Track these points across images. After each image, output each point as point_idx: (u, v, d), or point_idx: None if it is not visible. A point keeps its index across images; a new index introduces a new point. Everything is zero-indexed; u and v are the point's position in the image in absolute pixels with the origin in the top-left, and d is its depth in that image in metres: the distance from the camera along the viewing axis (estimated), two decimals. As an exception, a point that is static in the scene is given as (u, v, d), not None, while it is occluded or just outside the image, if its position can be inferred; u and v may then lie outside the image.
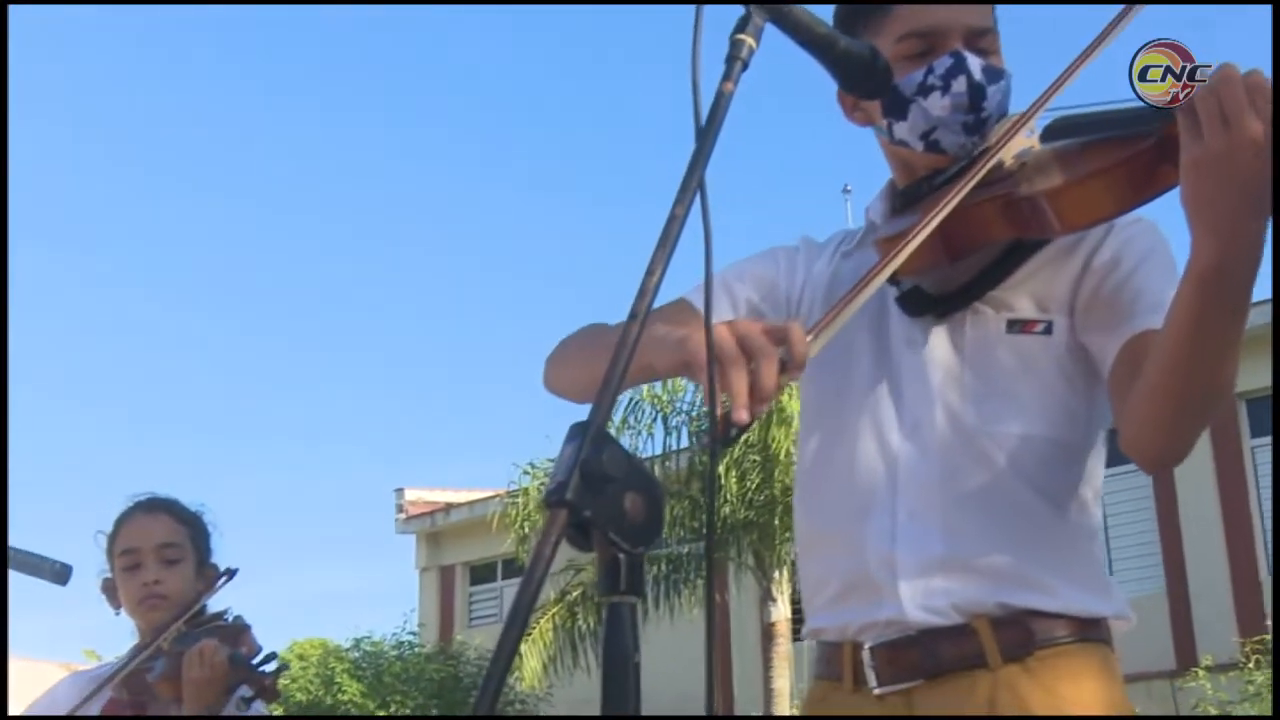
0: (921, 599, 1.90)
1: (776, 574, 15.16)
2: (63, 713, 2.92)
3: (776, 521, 14.35)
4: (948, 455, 1.93)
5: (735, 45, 1.43)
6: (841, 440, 2.02)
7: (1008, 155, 1.88)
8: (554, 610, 15.92)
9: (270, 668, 2.86)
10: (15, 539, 2.73)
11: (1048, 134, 1.87)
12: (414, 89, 38.28)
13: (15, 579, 2.70)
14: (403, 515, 24.52)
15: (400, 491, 24.67)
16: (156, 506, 3.13)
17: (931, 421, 1.95)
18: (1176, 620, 16.57)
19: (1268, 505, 16.23)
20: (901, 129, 1.99)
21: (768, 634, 15.19)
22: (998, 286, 1.95)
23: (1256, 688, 13.72)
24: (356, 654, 19.03)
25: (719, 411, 1.58)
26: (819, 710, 2.05)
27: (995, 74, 1.96)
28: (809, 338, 1.65)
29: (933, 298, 1.98)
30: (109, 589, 3.11)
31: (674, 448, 15.11)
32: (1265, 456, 16.74)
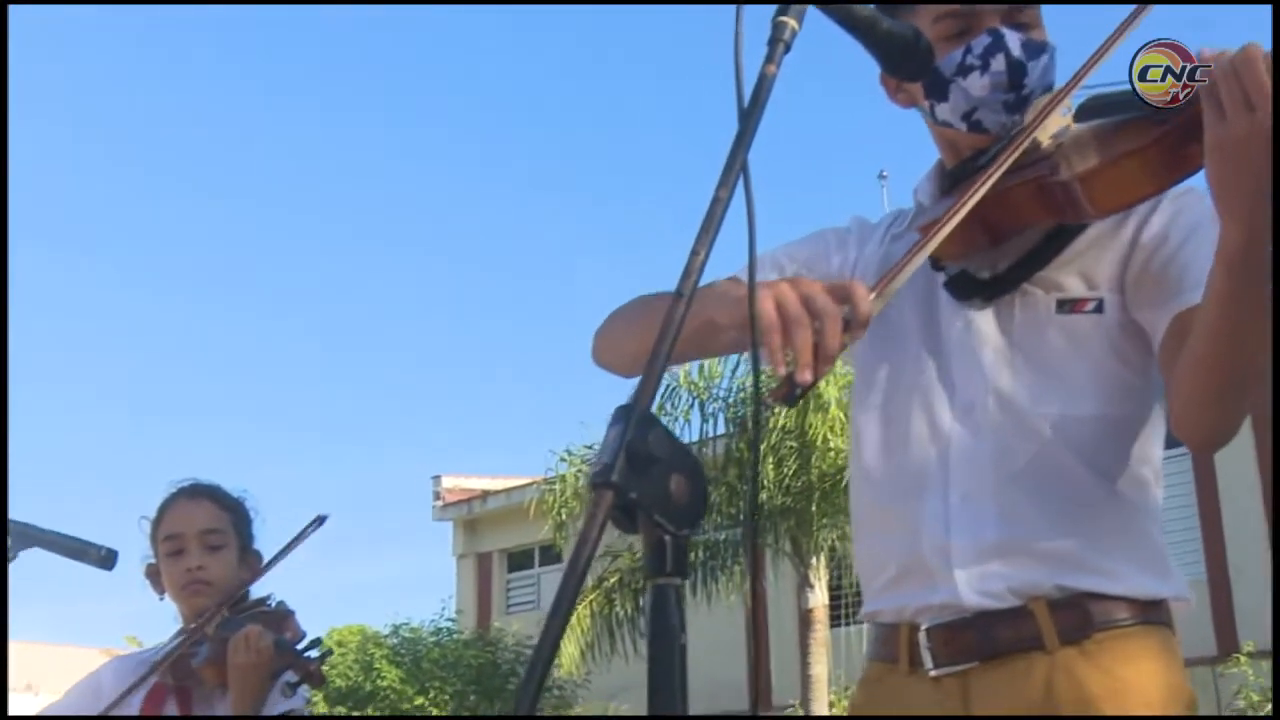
0: (977, 583, 1.89)
1: (814, 560, 15.12)
2: (108, 696, 2.94)
3: (814, 508, 14.32)
4: (1000, 437, 1.92)
5: (778, 27, 1.42)
6: (893, 423, 2.02)
7: (1044, 135, 1.86)
8: (591, 597, 15.94)
9: (315, 653, 2.86)
10: (61, 527, 2.75)
11: (1081, 113, 1.86)
12: (414, 89, 38.42)
13: (61, 565, 2.72)
14: (440, 503, 24.60)
15: (437, 479, 24.76)
16: (199, 492, 3.14)
17: (983, 404, 1.94)
18: (1217, 606, 16.47)
19: (1310, 490, 16.10)
20: (943, 110, 1.99)
21: (805, 620, 15.16)
22: (1046, 267, 1.94)
23: (1298, 674, 13.63)
24: (395, 640, 19.10)
25: (783, 372, 1.59)
26: (875, 691, 2.04)
27: (1036, 49, 1.94)
28: (871, 296, 1.66)
29: (980, 281, 1.97)
30: (153, 574, 3.12)
31: (710, 434, 15.09)
32: (1308, 442, 16.58)
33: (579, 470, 15.86)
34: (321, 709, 16.86)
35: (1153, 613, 1.90)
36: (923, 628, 1.94)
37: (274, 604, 3.04)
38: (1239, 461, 16.31)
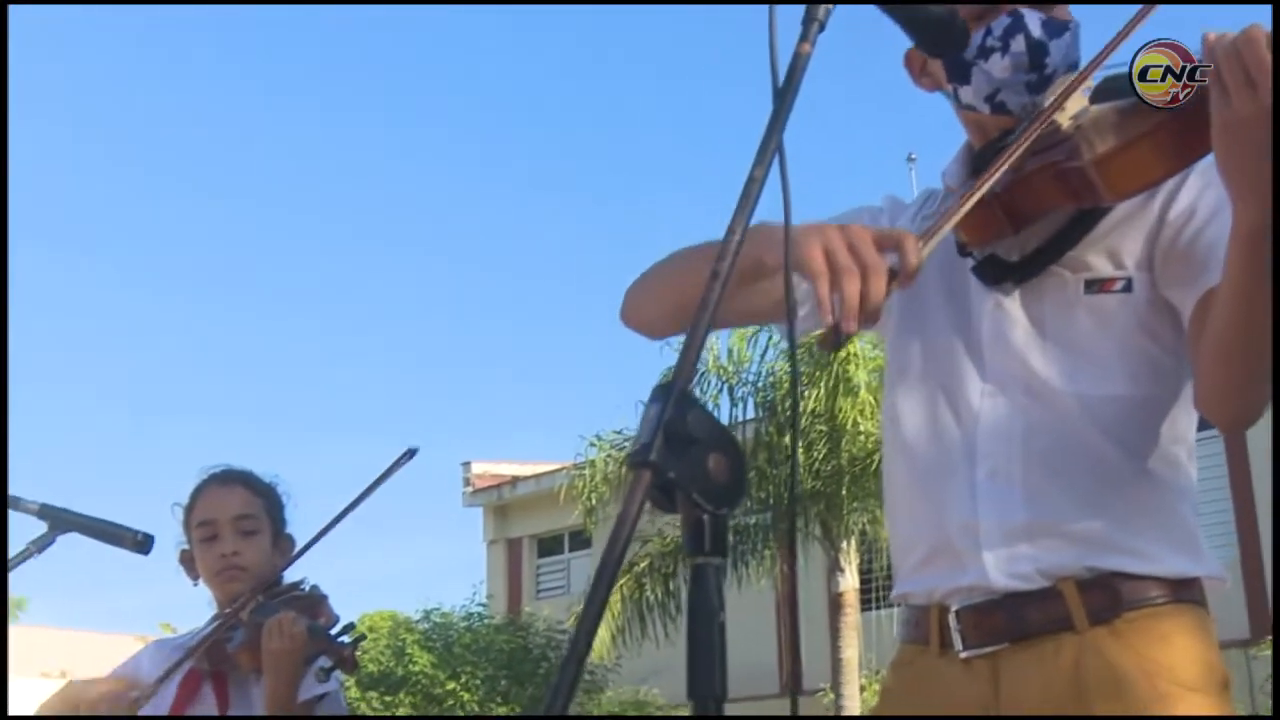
0: (1005, 565, 1.89)
1: (844, 544, 15.10)
2: (146, 680, 2.95)
3: (844, 492, 14.29)
4: (1029, 417, 1.92)
5: (812, 6, 1.42)
6: (924, 404, 2.02)
7: (1064, 118, 1.86)
8: (622, 582, 15.95)
9: (348, 639, 2.87)
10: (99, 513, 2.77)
11: (1098, 94, 1.85)
12: (414, 89, 38.50)
13: (98, 553, 2.73)
14: (470, 489, 24.68)
15: (467, 465, 24.83)
16: (231, 478, 3.15)
17: (1013, 385, 1.93)
18: (1250, 588, 16.39)
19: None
20: (967, 93, 1.98)
21: (835, 604, 15.15)
22: (1074, 247, 1.93)
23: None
24: (426, 625, 19.17)
25: (829, 320, 1.61)
26: (906, 674, 2.05)
27: (1057, 28, 1.93)
28: (920, 244, 1.67)
29: (1009, 264, 1.96)
30: (187, 560, 3.13)
31: (740, 419, 15.08)
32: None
33: (609, 455, 15.88)
34: (354, 694, 16.95)
35: (1185, 591, 1.89)
36: (952, 609, 1.94)
37: (307, 588, 3.05)
38: (1271, 442, 16.20)
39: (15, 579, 2.69)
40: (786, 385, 14.57)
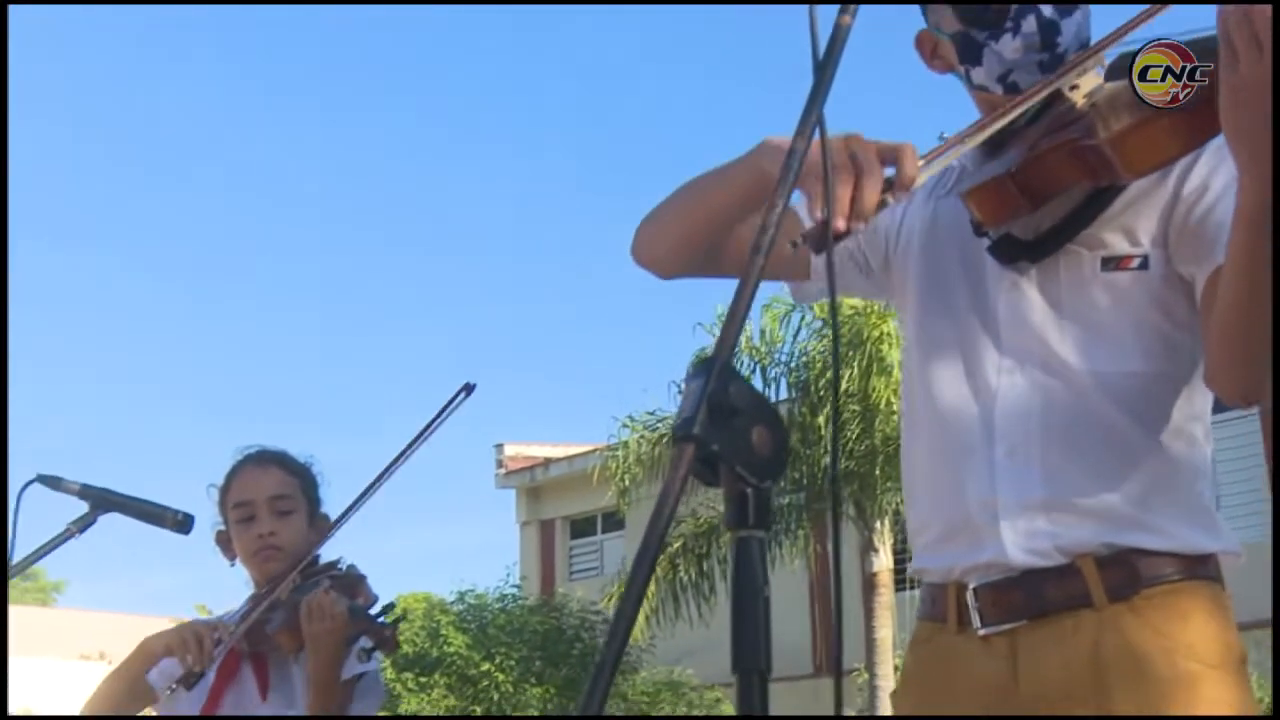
0: (1024, 541, 1.89)
1: (878, 524, 15.09)
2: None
3: (877, 471, 14.26)
4: (1046, 394, 1.92)
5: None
6: (941, 382, 2.02)
7: (1079, 96, 1.86)
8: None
9: (389, 619, 2.87)
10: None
11: (1112, 72, 1.84)
12: (414, 89, 38.59)
13: (137, 533, 2.74)
14: (502, 470, 24.73)
15: (499, 447, 24.87)
16: (266, 459, 3.16)
17: (1030, 363, 1.94)
18: (1286, 567, 16.30)
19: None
20: (979, 74, 1.98)
21: (870, 584, 15.14)
22: (1089, 225, 1.93)
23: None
24: (460, 607, 19.23)
25: (819, 216, 1.66)
26: (924, 652, 2.05)
27: (1068, 8, 1.92)
28: (920, 163, 1.69)
29: (1024, 243, 1.96)
30: (223, 541, 3.14)
31: (772, 399, 15.06)
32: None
33: (641, 437, 15.89)
34: (390, 675, 17.02)
35: (1200, 568, 1.89)
36: (970, 587, 1.94)
37: (344, 567, 3.05)
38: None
39: (53, 562, 2.71)
40: (819, 365, 14.55)
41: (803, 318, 14.73)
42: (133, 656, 2.98)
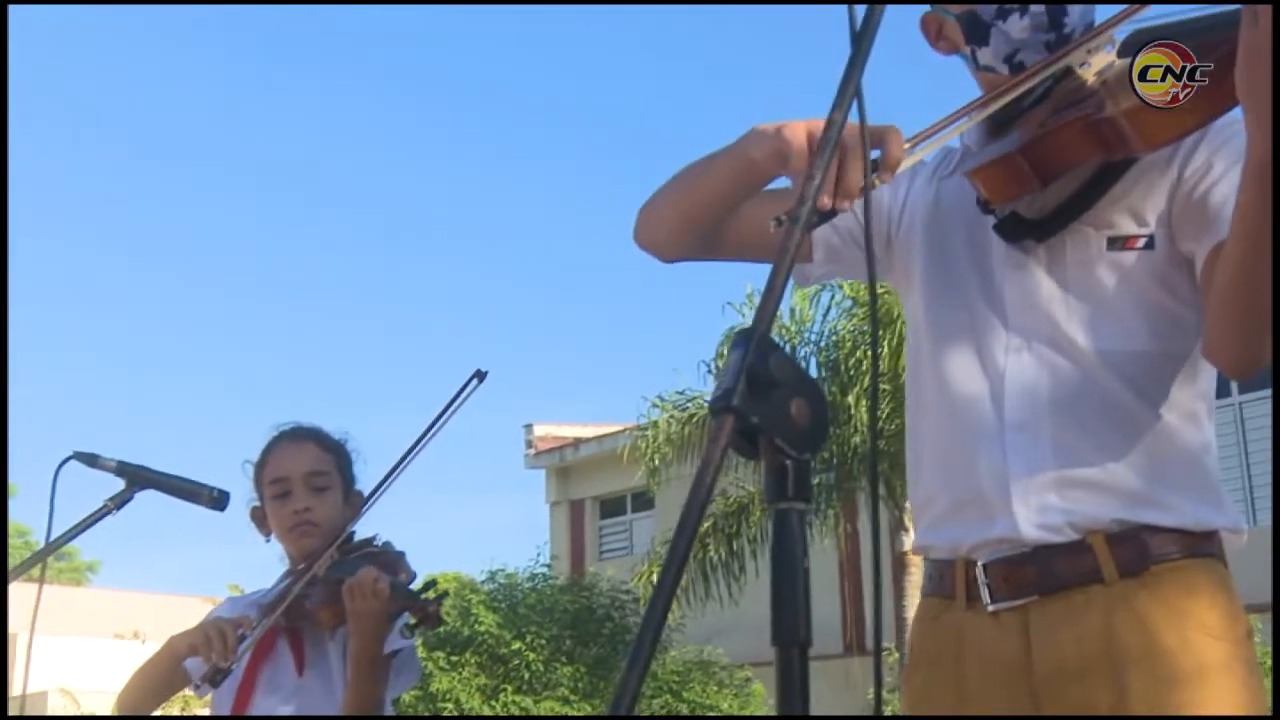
0: (1036, 517, 1.90)
1: (908, 504, 15.05)
2: None
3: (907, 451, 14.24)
4: (1054, 373, 1.93)
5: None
6: (949, 361, 2.02)
7: (1090, 74, 1.86)
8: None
9: (432, 594, 2.88)
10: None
11: (1125, 49, 1.84)
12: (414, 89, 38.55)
13: (171, 511, 2.76)
14: (532, 451, 24.76)
15: (529, 427, 24.91)
16: (302, 435, 3.17)
17: (1037, 341, 1.94)
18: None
19: None
20: (985, 54, 1.98)
21: (899, 563, 15.11)
22: (1095, 205, 1.93)
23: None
24: (491, 586, 19.28)
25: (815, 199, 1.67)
26: (932, 628, 2.05)
27: None
28: (906, 146, 1.71)
29: (1031, 222, 1.97)
30: (258, 517, 3.15)
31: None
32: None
33: (671, 416, 15.89)
34: (421, 653, 17.09)
35: (1203, 544, 1.90)
36: (980, 563, 1.95)
37: (380, 544, 3.06)
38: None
39: (87, 542, 2.73)
40: (849, 345, 14.52)
41: (833, 297, 14.71)
42: (159, 655, 2.99)
